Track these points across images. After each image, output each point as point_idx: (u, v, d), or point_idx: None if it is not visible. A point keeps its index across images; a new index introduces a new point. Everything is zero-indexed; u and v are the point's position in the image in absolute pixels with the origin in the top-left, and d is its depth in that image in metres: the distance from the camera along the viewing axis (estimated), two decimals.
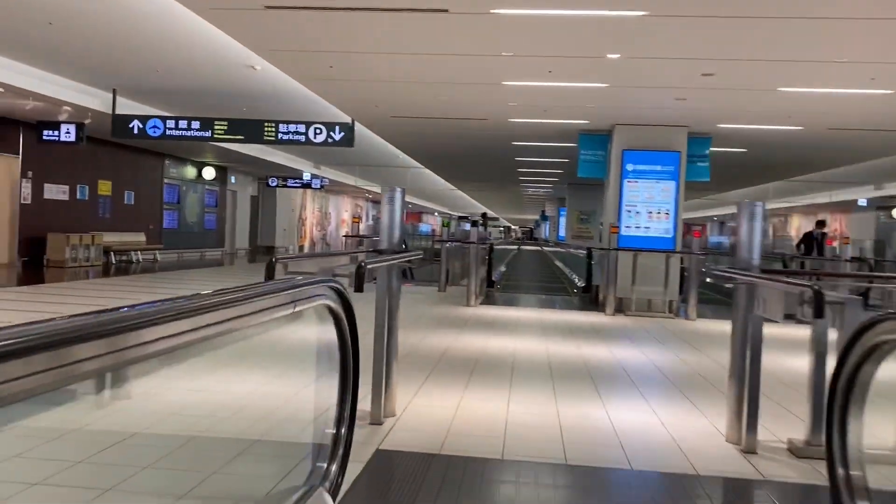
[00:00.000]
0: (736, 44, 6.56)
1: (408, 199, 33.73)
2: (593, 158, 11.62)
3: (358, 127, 15.14)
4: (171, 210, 19.86)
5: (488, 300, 11.51)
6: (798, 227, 36.93)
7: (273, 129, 11.83)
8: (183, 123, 11.94)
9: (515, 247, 45.57)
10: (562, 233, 29.78)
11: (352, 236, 13.28)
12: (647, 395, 5.05)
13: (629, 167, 10.83)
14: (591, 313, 10.28)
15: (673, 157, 10.76)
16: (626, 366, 6.17)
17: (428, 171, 24.71)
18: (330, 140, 11.73)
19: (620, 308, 10.33)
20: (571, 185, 23.76)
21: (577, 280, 17.36)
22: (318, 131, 11.74)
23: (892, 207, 26.10)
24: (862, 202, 24.35)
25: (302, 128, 11.77)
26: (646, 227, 10.83)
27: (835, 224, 32.78)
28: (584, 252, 14.13)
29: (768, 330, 3.87)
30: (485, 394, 4.82)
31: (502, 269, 23.56)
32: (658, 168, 10.79)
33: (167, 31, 8.00)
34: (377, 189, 31.87)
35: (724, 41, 6.48)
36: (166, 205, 19.52)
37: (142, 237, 18.06)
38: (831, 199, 24.22)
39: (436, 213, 55.06)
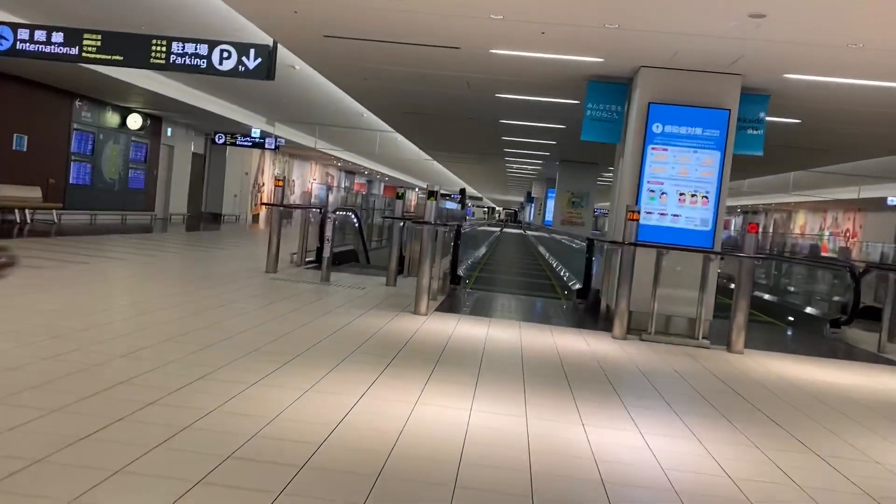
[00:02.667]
0: None
1: (383, 170, 30.46)
2: (604, 116, 8.42)
3: (309, 72, 11.82)
4: (83, 162, 16.40)
5: (448, 304, 8.33)
6: (804, 224, 34.06)
7: (163, 50, 8.48)
8: (40, 35, 8.54)
9: (499, 229, 42.63)
10: (549, 217, 26.66)
11: (273, 205, 9.96)
12: None
13: (656, 128, 7.65)
14: (593, 334, 7.12)
15: (719, 116, 7.59)
16: (693, 497, 3.01)
17: (401, 139, 21.42)
18: (241, 68, 8.40)
19: (630, 324, 7.20)
20: (564, 162, 20.66)
21: (565, 274, 14.21)
22: (225, 55, 8.39)
23: None
24: (892, 201, 21.41)
25: (203, 49, 8.43)
26: (674, 216, 7.68)
27: (846, 224, 29.93)
28: (582, 243, 10.99)
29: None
30: None
31: (482, 251, 20.36)
32: (698, 132, 7.61)
33: None
34: (344, 156, 28.50)
35: None
36: (75, 155, 16.06)
37: (36, 192, 14.63)
38: (859, 196, 21.21)
39: (416, 189, 51.66)
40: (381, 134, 20.62)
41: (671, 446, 3.64)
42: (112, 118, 17.29)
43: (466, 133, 16.50)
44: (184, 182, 21.34)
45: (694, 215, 7.64)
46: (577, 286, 10.17)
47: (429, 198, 7.00)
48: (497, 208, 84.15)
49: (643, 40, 6.71)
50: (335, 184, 37.92)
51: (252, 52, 8.48)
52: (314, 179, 33.56)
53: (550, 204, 26.08)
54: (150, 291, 7.18)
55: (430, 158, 26.70)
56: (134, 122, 17.84)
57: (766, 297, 13.43)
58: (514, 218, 73.93)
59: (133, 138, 18.29)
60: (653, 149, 7.67)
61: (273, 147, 21.62)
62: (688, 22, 6.03)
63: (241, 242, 14.97)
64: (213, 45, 8.54)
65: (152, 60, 8.69)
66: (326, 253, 9.02)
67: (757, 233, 6.99)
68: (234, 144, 21.08)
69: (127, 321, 5.51)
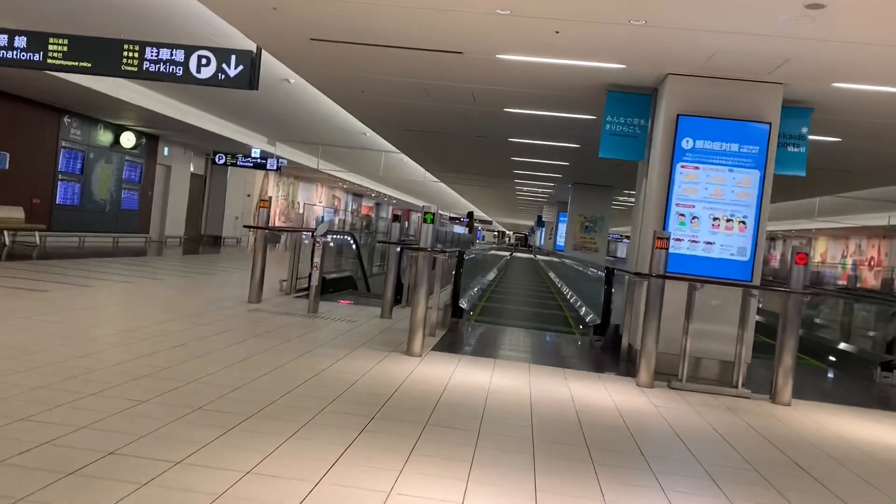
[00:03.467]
0: None
1: (390, 192, 29.55)
2: (626, 130, 7.49)
3: (307, 87, 10.97)
4: (71, 181, 15.63)
5: (449, 341, 7.37)
6: (824, 251, 32.88)
7: (135, 56, 7.68)
8: (1, 39, 7.78)
9: (508, 253, 41.71)
10: (560, 241, 25.69)
11: (254, 227, 9.05)
12: None
13: (686, 143, 6.72)
14: (615, 381, 6.13)
15: (759, 131, 6.65)
16: None
17: (406, 159, 20.59)
18: (222, 76, 7.58)
19: (655, 366, 6.19)
20: (577, 184, 19.73)
21: (579, 305, 13.21)
22: (203, 62, 7.58)
23: None
24: None
25: (179, 55, 7.62)
26: (707, 243, 6.72)
27: (871, 252, 28.76)
28: (597, 272, 10.02)
29: None
30: None
31: (490, 276, 19.38)
32: (734, 148, 6.67)
33: None
34: (350, 178, 27.72)
35: None
36: (63, 174, 15.29)
37: (18, 213, 13.84)
38: (889, 222, 20.17)
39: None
40: (386, 154, 19.81)
41: None
42: (104, 136, 16.55)
43: (474, 153, 15.64)
44: (181, 203, 20.56)
45: (730, 243, 6.66)
46: (591, 316, 9.19)
47: (425, 221, 6.07)
48: (507, 232, 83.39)
49: (674, 40, 5.80)
50: (342, 206, 37.13)
51: (233, 58, 7.65)
52: (320, 202, 32.77)
53: (562, 228, 25.13)
54: (105, 326, 6.27)
55: (436, 180, 25.86)
56: (127, 140, 17.10)
57: None
58: (524, 242, 73.06)
59: (127, 157, 17.54)
60: (682, 167, 6.73)
61: (275, 168, 20.82)
62: (730, 15, 5.12)
63: (236, 267, 14.09)
64: (190, 50, 7.72)
65: (124, 67, 7.87)
66: (314, 281, 8.10)
67: (806, 264, 6.01)
68: (234, 165, 20.34)
69: (58, 365, 4.59)
